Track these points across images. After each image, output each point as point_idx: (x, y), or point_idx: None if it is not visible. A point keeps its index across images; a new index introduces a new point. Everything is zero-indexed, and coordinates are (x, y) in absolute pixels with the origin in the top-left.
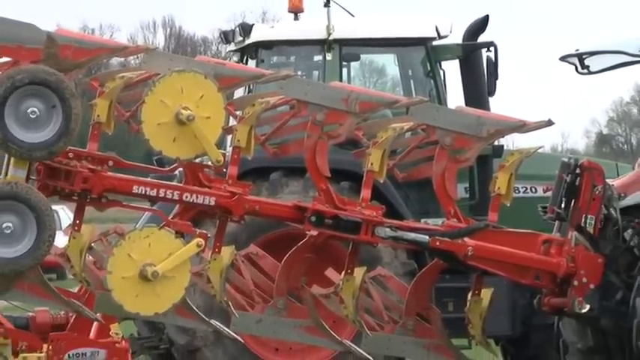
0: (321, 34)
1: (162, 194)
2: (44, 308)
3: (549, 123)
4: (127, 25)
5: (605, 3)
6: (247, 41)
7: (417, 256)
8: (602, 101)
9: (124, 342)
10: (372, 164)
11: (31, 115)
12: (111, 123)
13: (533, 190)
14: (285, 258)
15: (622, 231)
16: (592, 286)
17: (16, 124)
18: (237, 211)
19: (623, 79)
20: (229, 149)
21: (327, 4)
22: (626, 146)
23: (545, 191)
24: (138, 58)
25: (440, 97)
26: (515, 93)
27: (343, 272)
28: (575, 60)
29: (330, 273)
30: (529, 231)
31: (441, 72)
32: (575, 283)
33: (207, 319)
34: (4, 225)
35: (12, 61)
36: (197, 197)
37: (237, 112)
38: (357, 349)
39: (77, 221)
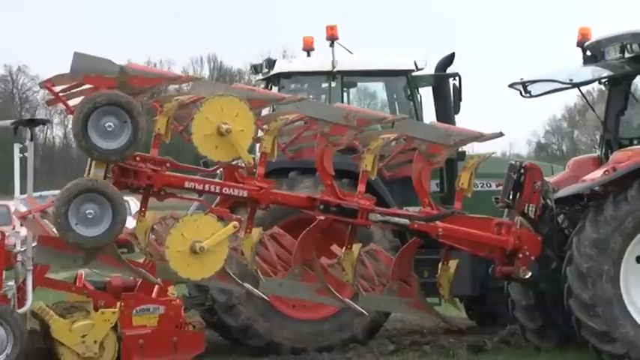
0: (327, 67)
1: (207, 188)
2: (117, 275)
3: (500, 134)
4: (181, 59)
5: (547, 37)
6: (271, 72)
7: (400, 235)
8: (540, 117)
9: (178, 300)
10: (366, 165)
11: (108, 129)
12: (168, 134)
13: (488, 185)
14: (300, 237)
15: (556, 216)
16: (533, 258)
17: (96, 135)
18: (263, 201)
19: (556, 100)
20: (258, 154)
21: (332, 45)
22: (558, 152)
23: (497, 186)
24: (189, 85)
25: (417, 115)
26: (474, 112)
27: (344, 247)
28: (520, 86)
29: (335, 248)
30: (485, 216)
31: (419, 96)
32: (520, 255)
33: (241, 283)
34: (88, 211)
35: (93, 88)
36: (233, 190)
37: (264, 126)
38: (355, 306)
39: (143, 209)
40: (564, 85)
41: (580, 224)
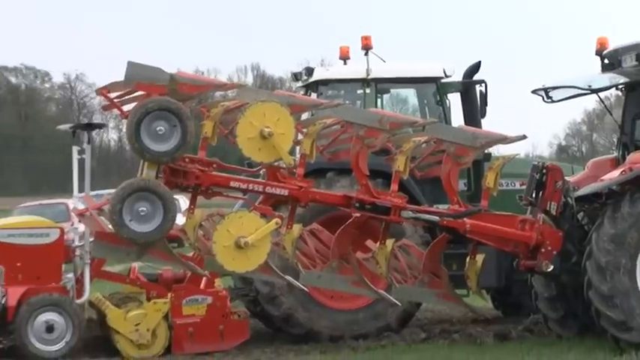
0: (362, 75)
1: (251, 187)
2: (168, 268)
3: (523, 137)
4: (226, 68)
5: (567, 46)
6: (310, 80)
7: (430, 231)
8: (561, 121)
9: (224, 291)
10: (398, 166)
11: (159, 132)
12: (215, 137)
13: (513, 184)
14: (337, 232)
15: (576, 213)
16: (555, 252)
17: (148, 138)
18: (303, 200)
19: (576, 105)
20: (298, 156)
21: (366, 54)
22: (578, 153)
23: (521, 185)
24: (234, 92)
25: (446, 119)
26: (499, 116)
27: (378, 242)
28: (542, 92)
29: (369, 243)
30: (510, 213)
31: (447, 101)
32: (543, 250)
33: (282, 275)
34: (140, 209)
35: (145, 94)
36: (275, 189)
37: (304, 130)
38: (389, 297)
39: (191, 206)
40: (584, 91)
41: (599, 221)
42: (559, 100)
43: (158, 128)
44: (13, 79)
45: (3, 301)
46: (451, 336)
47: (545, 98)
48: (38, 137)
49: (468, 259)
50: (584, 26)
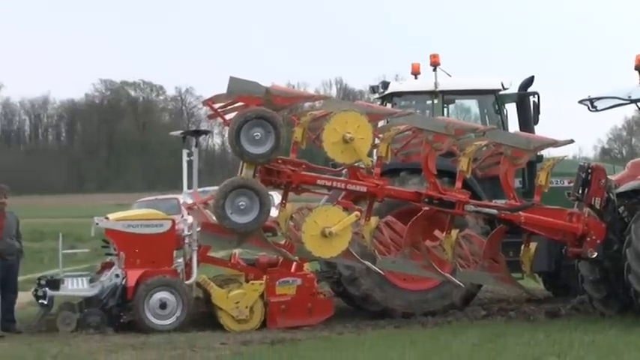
0: (431, 88)
1: (334, 185)
2: (264, 254)
3: (571, 141)
4: (314, 82)
5: (609, 61)
6: (386, 92)
7: (489, 223)
8: (604, 127)
9: (311, 274)
10: (462, 166)
11: (256, 137)
12: (304, 142)
13: (562, 182)
14: (409, 223)
15: (617, 207)
16: (598, 241)
17: (247, 143)
18: (380, 195)
19: (618, 113)
20: (375, 157)
21: (434, 69)
22: (619, 155)
23: (569, 183)
24: (320, 102)
25: (504, 126)
26: (550, 123)
27: (444, 232)
28: (588, 102)
29: (437, 233)
30: (559, 207)
31: (505, 110)
32: (588, 239)
33: (361, 260)
34: (240, 203)
35: (244, 105)
36: (355, 187)
37: (380, 135)
38: (453, 279)
39: (283, 201)
40: (624, 101)
41: (637, 213)
42: (602, 109)
43: (255, 134)
44: (132, 93)
45: (123, 282)
46: (508, 313)
47: (590, 107)
48: (154, 142)
49: (522, 246)
50: (625, 41)
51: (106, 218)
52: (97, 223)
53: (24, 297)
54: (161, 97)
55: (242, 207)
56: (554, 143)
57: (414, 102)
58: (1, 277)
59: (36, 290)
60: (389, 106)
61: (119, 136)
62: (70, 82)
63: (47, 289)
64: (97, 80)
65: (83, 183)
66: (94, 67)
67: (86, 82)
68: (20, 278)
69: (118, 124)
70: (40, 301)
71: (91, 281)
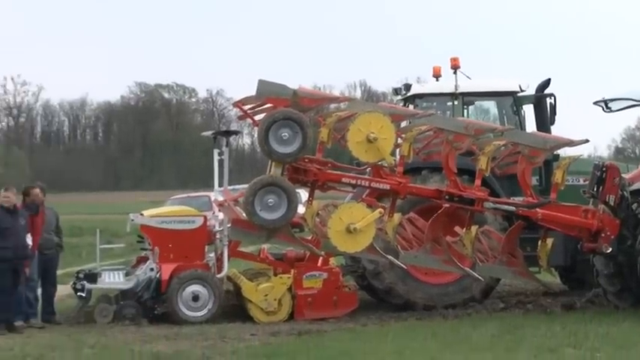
0: (451, 90)
1: (359, 183)
2: (291, 249)
3: (586, 141)
4: (339, 84)
5: (623, 64)
6: (408, 94)
7: (508, 219)
8: (618, 127)
9: (337, 268)
10: (481, 165)
11: (284, 137)
12: (330, 141)
13: (577, 180)
14: (430, 220)
15: (631, 204)
16: (612, 237)
17: (275, 142)
18: (402, 193)
19: (632, 114)
20: (398, 156)
21: (455, 72)
22: (632, 155)
23: (584, 181)
24: (345, 104)
25: (522, 126)
26: (566, 123)
27: (464, 228)
28: (602, 103)
29: (457, 228)
30: (575, 204)
31: (522, 111)
32: (603, 235)
33: (385, 255)
34: (269, 200)
35: (273, 106)
36: (379, 184)
37: (402, 135)
38: (473, 273)
39: (310, 198)
40: (638, 103)
41: None
42: (617, 110)
43: (283, 134)
44: (166, 95)
45: (158, 276)
46: (525, 306)
47: (605, 108)
48: (186, 142)
49: (539, 242)
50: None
51: (141, 215)
52: (132, 220)
53: (63, 290)
54: (193, 99)
55: (270, 204)
56: (570, 143)
57: (435, 103)
58: (41, 271)
59: (74, 283)
60: (411, 107)
61: (153, 137)
62: (107, 85)
63: (85, 282)
64: (132, 83)
65: (119, 181)
66: (129, 70)
67: (122, 84)
68: (59, 272)
69: (153, 124)
70: (78, 293)
71: (127, 275)
